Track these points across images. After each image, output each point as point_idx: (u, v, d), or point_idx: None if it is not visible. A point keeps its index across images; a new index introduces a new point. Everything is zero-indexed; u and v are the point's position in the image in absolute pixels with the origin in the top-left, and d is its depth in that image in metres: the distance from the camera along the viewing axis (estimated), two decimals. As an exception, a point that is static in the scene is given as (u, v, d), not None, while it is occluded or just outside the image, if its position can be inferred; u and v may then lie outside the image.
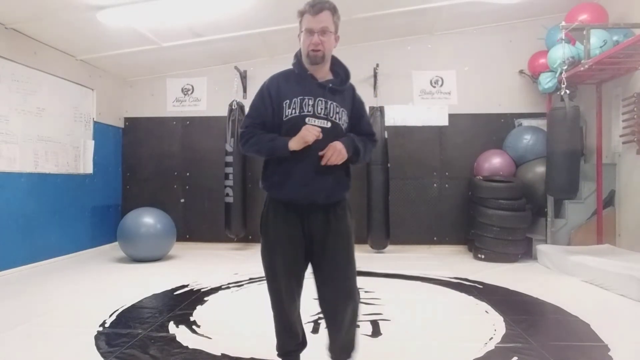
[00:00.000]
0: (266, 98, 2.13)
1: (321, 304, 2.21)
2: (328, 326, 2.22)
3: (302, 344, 2.35)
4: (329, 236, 2.10)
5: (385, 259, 5.99)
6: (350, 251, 2.16)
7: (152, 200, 6.67)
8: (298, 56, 2.18)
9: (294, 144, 2.02)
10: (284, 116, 2.08)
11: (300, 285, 2.22)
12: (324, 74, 2.16)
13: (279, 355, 2.34)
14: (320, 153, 2.04)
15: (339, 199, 2.15)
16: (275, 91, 2.12)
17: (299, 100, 2.08)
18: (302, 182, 2.06)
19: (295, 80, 2.14)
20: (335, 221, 2.11)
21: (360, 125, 2.23)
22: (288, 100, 2.08)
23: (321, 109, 2.09)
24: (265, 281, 2.24)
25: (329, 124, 2.09)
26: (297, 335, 2.29)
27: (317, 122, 2.07)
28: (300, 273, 2.18)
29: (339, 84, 2.16)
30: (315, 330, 3.21)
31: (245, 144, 2.13)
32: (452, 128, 6.81)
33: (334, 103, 2.11)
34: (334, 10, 2.09)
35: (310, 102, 2.08)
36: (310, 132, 2.01)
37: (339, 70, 2.21)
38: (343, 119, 2.13)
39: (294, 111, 2.07)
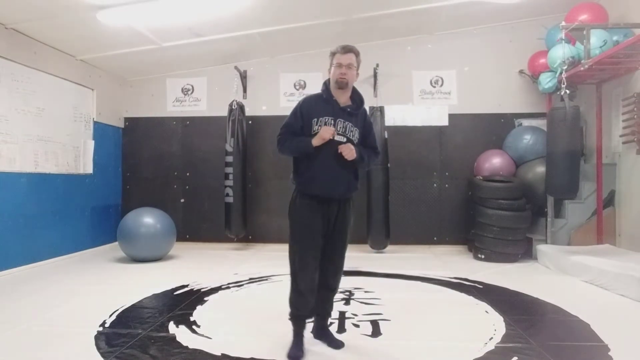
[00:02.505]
0: (298, 115, 2.82)
1: (322, 268, 2.81)
2: (323, 288, 2.84)
3: (313, 310, 2.85)
4: (337, 221, 2.80)
5: (385, 259, 5.98)
6: (348, 234, 2.87)
7: (152, 200, 6.67)
8: (326, 84, 2.87)
9: (316, 141, 2.71)
10: (312, 131, 2.76)
11: (319, 256, 2.79)
12: (345, 99, 2.84)
13: (291, 318, 2.84)
14: (340, 146, 2.71)
15: (350, 196, 2.86)
16: (307, 110, 2.80)
17: (324, 120, 2.76)
18: (324, 183, 2.75)
19: (323, 103, 2.81)
20: (343, 211, 2.82)
21: (367, 140, 2.92)
22: (316, 119, 2.77)
23: (340, 127, 2.77)
24: (291, 254, 2.81)
25: (344, 139, 2.77)
26: (312, 300, 2.79)
27: (337, 137, 2.74)
28: (319, 246, 2.78)
29: (355, 109, 2.85)
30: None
31: (282, 145, 2.82)
32: (452, 128, 6.81)
33: (350, 123, 2.79)
34: (357, 54, 2.83)
35: (331, 122, 2.76)
36: (327, 131, 2.69)
37: (356, 98, 2.90)
38: (355, 136, 2.81)
39: (319, 128, 2.74)
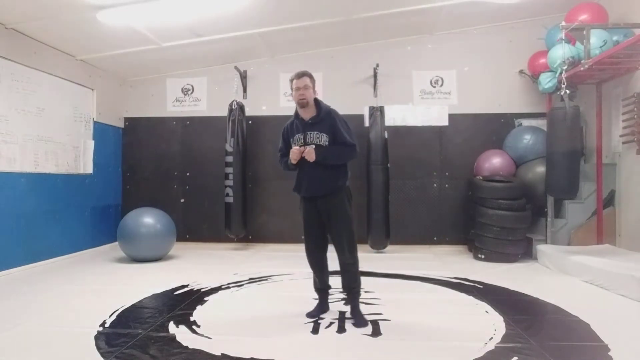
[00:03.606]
0: (282, 138, 3.57)
1: (336, 252, 3.45)
2: (340, 268, 3.47)
3: (326, 285, 3.61)
4: (331, 212, 3.39)
5: (385, 259, 5.99)
6: (346, 221, 3.40)
7: (152, 200, 6.67)
8: (295, 109, 3.48)
9: (292, 161, 3.40)
10: (292, 147, 3.42)
11: (325, 241, 3.53)
12: (310, 113, 3.44)
13: (315, 289, 3.64)
14: (304, 152, 3.36)
15: (332, 191, 3.39)
16: (287, 133, 3.54)
17: (297, 137, 3.44)
18: (306, 185, 3.43)
19: (295, 125, 3.49)
20: (333, 204, 3.39)
21: (337, 138, 3.40)
22: (292, 138, 3.47)
23: (309, 138, 3.40)
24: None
25: (313, 146, 3.36)
26: (322, 276, 3.57)
27: (308, 147, 3.36)
28: (322, 233, 3.49)
29: (316, 118, 3.42)
30: (315, 330, 3.22)
31: (281, 166, 3.58)
32: (452, 128, 6.81)
33: (315, 132, 3.40)
34: (310, 76, 3.41)
35: (302, 137, 3.42)
36: (293, 154, 3.37)
37: (318, 108, 3.45)
38: (323, 140, 3.38)
39: (294, 144, 3.42)
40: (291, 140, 3.46)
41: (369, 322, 3.33)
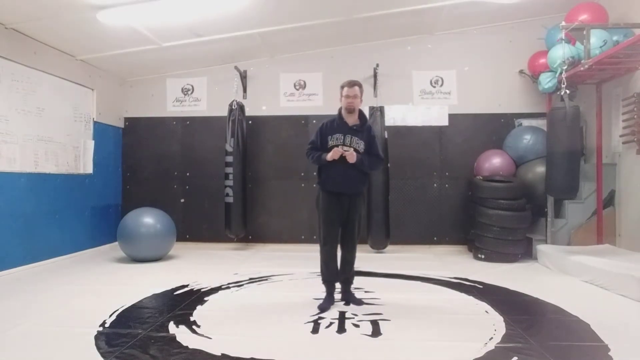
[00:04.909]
0: (318, 135, 3.84)
1: (341, 246, 3.87)
2: (342, 260, 3.87)
3: (336, 277, 3.87)
4: (351, 211, 3.77)
5: (385, 259, 5.98)
6: (360, 220, 3.85)
7: (152, 200, 6.67)
8: (339, 110, 3.85)
9: (329, 157, 3.69)
10: (328, 145, 3.78)
11: (339, 235, 3.82)
12: (353, 120, 3.82)
13: (323, 281, 3.87)
14: (345, 152, 3.68)
15: (360, 191, 3.83)
16: (325, 130, 3.82)
17: (336, 136, 3.77)
18: (338, 182, 3.74)
19: (336, 125, 3.82)
20: (355, 203, 3.78)
21: (371, 149, 3.84)
22: (330, 136, 3.78)
23: (348, 141, 3.75)
24: (318, 235, 3.87)
25: (351, 149, 3.72)
26: (334, 268, 3.84)
27: (345, 148, 3.71)
28: (338, 228, 3.80)
29: (360, 127, 3.82)
30: (315, 330, 3.22)
31: (308, 157, 3.86)
32: (452, 128, 6.81)
33: (356, 138, 3.77)
34: (360, 86, 3.80)
35: (342, 138, 3.76)
36: (336, 153, 3.67)
37: (362, 118, 3.87)
38: (361, 147, 3.76)
39: (332, 142, 3.76)
40: (329, 137, 3.76)
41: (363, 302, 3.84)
